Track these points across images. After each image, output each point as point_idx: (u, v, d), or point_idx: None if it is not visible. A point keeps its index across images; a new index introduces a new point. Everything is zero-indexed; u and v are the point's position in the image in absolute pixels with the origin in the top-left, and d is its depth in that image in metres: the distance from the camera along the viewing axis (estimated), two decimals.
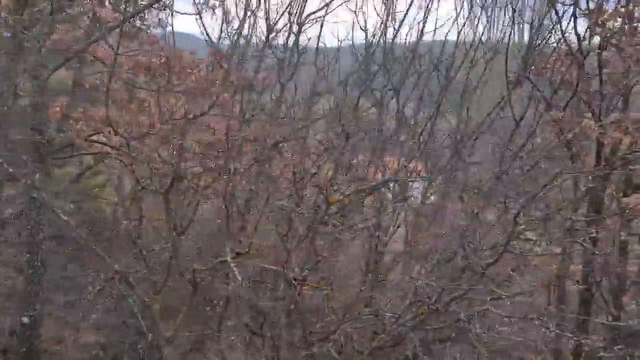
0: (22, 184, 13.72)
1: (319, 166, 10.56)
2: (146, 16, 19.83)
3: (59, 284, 16.11)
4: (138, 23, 20.72)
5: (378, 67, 17.03)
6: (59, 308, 15.95)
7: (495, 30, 17.98)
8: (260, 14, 15.04)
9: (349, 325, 11.35)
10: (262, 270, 11.01)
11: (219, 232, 10.82)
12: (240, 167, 12.00)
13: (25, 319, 13.92)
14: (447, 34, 18.22)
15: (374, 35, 16.51)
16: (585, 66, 15.32)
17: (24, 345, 13.97)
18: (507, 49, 15.82)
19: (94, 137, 14.44)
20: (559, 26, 15.10)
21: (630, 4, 13.00)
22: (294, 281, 9.55)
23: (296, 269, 9.72)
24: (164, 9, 15.49)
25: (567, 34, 15.56)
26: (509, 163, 11.95)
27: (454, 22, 17.96)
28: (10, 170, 11.84)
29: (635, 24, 13.86)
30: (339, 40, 16.68)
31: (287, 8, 14.15)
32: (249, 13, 14.12)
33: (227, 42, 15.01)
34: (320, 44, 16.85)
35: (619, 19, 13.09)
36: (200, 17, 13.90)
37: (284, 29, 14.55)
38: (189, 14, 16.13)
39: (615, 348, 9.91)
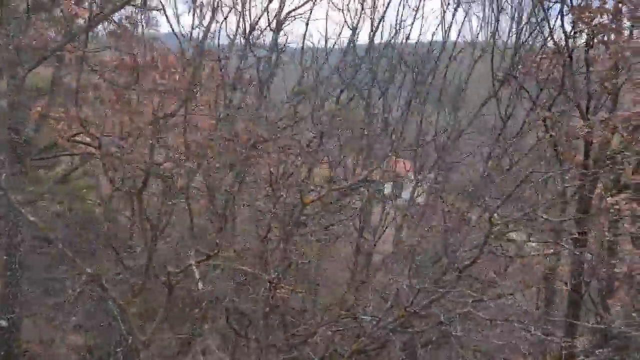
0: None
1: (297, 166, 10.34)
2: (133, 15, 19.64)
3: (39, 286, 15.89)
4: (125, 22, 20.59)
5: (357, 64, 16.79)
6: (39, 310, 15.71)
7: (485, 31, 17.76)
8: (243, 11, 14.80)
9: (329, 328, 11.15)
10: (241, 272, 10.78)
11: (194, 233, 10.58)
12: (219, 167, 11.82)
13: (3, 322, 13.70)
14: (434, 32, 17.93)
15: (355, 32, 16.23)
16: (574, 64, 15.15)
17: (2, 348, 13.75)
18: (492, 47, 15.60)
19: (80, 138, 14.29)
20: (546, 23, 14.82)
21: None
22: (268, 283, 9.32)
23: (272, 271, 9.50)
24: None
25: (555, 32, 15.40)
26: (495, 162, 11.72)
27: (440, 23, 17.65)
28: None
29: (621, 21, 13.66)
30: (325, 39, 16.48)
31: (266, 6, 13.97)
32: (225, 10, 13.97)
33: (207, 41, 14.83)
34: (309, 43, 16.76)
35: (605, 16, 12.84)
36: (165, 12, 13.62)
37: (265, 27, 14.37)
38: (155, 9, 15.71)
39: (596, 352, 9.63)
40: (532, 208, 9.20)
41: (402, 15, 19.41)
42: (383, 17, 16.83)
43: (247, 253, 11.25)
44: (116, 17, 21.48)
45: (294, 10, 14.44)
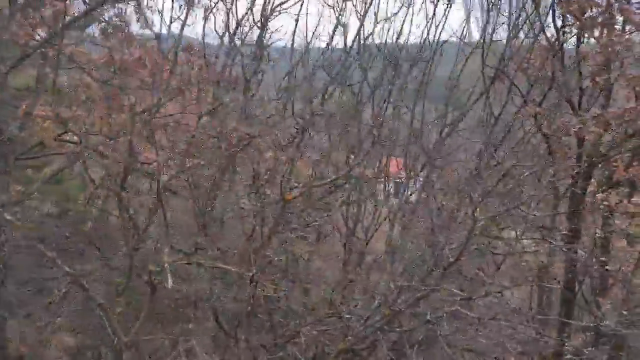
0: None
1: (277, 161, 10.15)
2: (124, 13, 19.48)
3: (25, 287, 15.72)
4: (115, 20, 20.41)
5: (346, 61, 16.61)
6: (25, 311, 15.54)
7: (476, 26, 17.53)
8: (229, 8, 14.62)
9: (313, 327, 10.98)
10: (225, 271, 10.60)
11: (168, 232, 10.38)
12: (203, 165, 11.64)
13: None
14: (424, 28, 17.73)
15: (345, 28, 16.02)
16: (565, 60, 14.96)
17: None
18: (482, 42, 15.42)
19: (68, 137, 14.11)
20: (537, 18, 14.62)
21: None
22: (249, 282, 9.16)
23: (252, 269, 9.32)
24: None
25: (547, 27, 15.21)
26: (486, 159, 11.54)
27: (431, 19, 17.47)
28: None
29: (613, 15, 13.47)
30: (312, 35, 16.28)
31: (252, 1, 13.75)
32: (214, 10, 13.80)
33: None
34: (300, 40, 16.58)
35: (595, 9, 12.65)
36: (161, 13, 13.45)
37: (251, 23, 14.19)
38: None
39: (584, 350, 9.45)
40: (516, 203, 8.95)
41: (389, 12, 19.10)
42: (367, 12, 16.61)
43: (232, 252, 11.06)
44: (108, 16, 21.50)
45: (280, 5, 14.30)
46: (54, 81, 10.43)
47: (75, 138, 14.34)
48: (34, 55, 13.81)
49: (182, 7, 13.58)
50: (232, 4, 14.95)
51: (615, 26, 14.38)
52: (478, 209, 8.78)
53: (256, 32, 15.48)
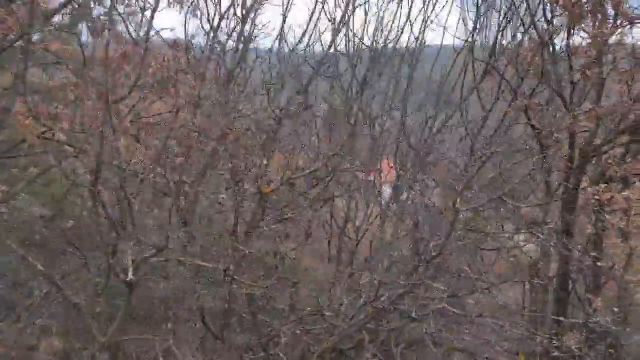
0: None
1: (260, 155, 9.87)
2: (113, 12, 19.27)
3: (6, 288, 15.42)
4: (105, 19, 20.21)
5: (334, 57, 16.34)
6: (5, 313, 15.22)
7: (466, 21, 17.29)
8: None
9: (295, 326, 10.68)
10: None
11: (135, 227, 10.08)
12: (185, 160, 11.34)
13: None
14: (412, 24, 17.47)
15: (335, 23, 15.71)
16: (556, 54, 14.70)
17: None
18: (472, 36, 15.16)
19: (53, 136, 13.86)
20: (527, 12, 14.34)
21: None
22: (223, 278, 8.86)
23: (228, 265, 9.02)
24: None
25: (538, 21, 14.93)
26: (477, 155, 11.25)
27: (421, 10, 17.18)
28: None
29: (604, 7, 13.21)
30: (303, 32, 15.96)
31: None
32: None
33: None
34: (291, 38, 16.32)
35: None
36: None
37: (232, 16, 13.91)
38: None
39: (573, 348, 9.15)
40: (498, 194, 8.65)
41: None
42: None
43: (212, 249, 10.75)
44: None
45: None
46: (23, 73, 10.10)
47: (61, 136, 14.13)
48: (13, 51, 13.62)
49: None
50: None
51: (608, 20, 14.20)
52: (459, 200, 8.48)
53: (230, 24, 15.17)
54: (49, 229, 15.84)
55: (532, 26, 14.24)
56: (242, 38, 13.87)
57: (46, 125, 13.31)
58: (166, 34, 15.28)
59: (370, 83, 17.14)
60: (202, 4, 15.15)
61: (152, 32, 13.39)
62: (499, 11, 15.50)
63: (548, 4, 13.38)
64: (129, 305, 10.90)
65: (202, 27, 14.77)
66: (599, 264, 12.22)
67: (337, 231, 17.07)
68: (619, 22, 13.94)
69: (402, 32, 16.62)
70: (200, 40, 15.27)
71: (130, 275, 8.33)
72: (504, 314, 11.62)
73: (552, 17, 13.13)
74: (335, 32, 14.37)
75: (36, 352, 16.63)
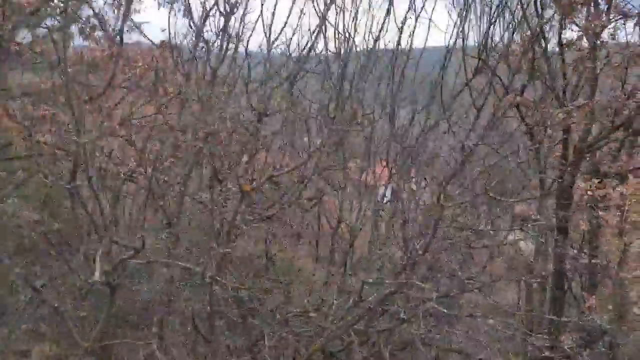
0: None
1: (241, 154, 9.64)
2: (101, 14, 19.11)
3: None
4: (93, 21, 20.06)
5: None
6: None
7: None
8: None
9: (281, 329, 10.43)
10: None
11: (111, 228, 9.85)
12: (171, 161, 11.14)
13: None
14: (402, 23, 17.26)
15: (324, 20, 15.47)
16: (549, 49, 14.46)
17: None
18: (462, 31, 14.93)
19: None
20: (519, 5, 14.11)
21: None
22: (203, 280, 8.63)
23: (208, 267, 8.78)
24: None
25: (530, 15, 14.69)
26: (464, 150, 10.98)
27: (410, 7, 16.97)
28: None
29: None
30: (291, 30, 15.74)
31: None
32: None
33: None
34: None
35: None
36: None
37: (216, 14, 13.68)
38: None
39: (565, 347, 8.89)
40: (484, 189, 8.40)
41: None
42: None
43: (195, 250, 10.53)
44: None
45: None
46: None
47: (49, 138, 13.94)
48: None
49: None
50: None
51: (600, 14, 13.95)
52: (442, 196, 8.24)
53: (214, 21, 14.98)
54: (38, 233, 15.63)
55: (523, 19, 14.00)
56: (226, 36, 13.68)
57: (29, 127, 13.14)
58: (159, 35, 15.21)
59: (361, 82, 16.93)
60: (192, 3, 14.95)
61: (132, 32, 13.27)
62: (490, 6, 15.28)
63: None
64: (111, 309, 10.67)
65: (190, 26, 14.59)
66: (593, 261, 11.95)
67: (330, 231, 16.85)
68: (611, 16, 13.74)
69: (400, 31, 16.35)
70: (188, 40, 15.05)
71: (97, 277, 8.07)
72: (499, 314, 11.39)
73: (543, 9, 12.89)
74: (322, 22, 14.07)
75: (28, 358, 16.47)
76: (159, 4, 16.28)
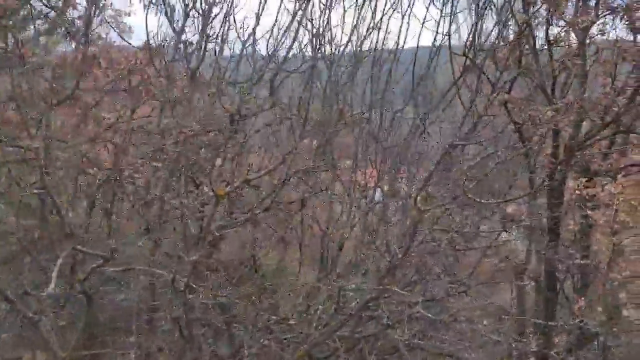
0: None
1: (218, 158, 9.41)
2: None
3: None
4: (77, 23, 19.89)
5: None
6: None
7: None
8: None
9: (262, 336, 10.18)
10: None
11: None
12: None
13: None
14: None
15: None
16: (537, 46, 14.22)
17: None
18: (449, 29, 14.68)
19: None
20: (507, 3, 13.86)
21: None
22: (179, 287, 8.38)
23: (177, 275, 8.52)
24: None
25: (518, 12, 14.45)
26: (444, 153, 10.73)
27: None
28: None
29: None
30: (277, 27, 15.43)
31: None
32: None
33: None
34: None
35: None
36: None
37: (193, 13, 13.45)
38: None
39: (551, 353, 8.64)
40: (463, 190, 8.14)
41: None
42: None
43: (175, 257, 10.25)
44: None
45: None
46: None
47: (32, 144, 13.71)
48: None
49: None
50: None
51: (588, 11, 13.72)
52: (419, 198, 7.98)
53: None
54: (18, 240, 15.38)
55: (510, 15, 13.77)
56: (204, 36, 13.46)
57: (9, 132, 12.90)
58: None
59: (348, 83, 16.71)
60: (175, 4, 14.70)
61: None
62: (477, 3, 15.01)
63: None
64: (88, 318, 10.43)
65: (174, 28, 14.37)
66: (582, 262, 11.70)
67: (320, 235, 16.55)
68: (600, 11, 13.51)
69: (377, 29, 16.11)
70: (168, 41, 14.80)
71: (50, 289, 7.82)
72: (492, 317, 11.15)
73: (529, 4, 12.64)
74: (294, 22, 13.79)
75: None
76: (144, 7, 16.07)
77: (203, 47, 13.44)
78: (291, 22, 14.11)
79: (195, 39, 14.66)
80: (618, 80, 13.44)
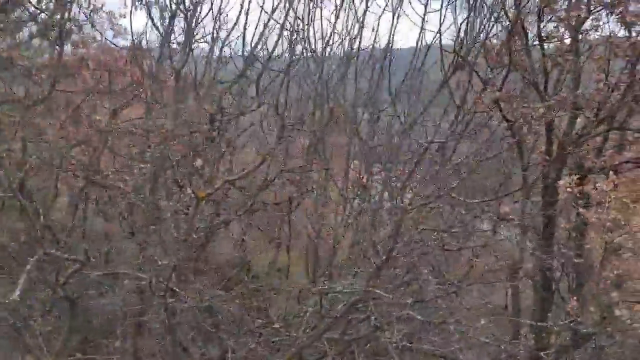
0: None
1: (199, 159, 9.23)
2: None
3: None
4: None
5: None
6: None
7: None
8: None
9: (250, 339, 10.01)
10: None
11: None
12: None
13: None
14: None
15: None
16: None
17: None
18: (439, 27, 14.50)
19: None
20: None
21: None
22: (148, 289, 8.22)
23: (154, 279, 8.36)
24: None
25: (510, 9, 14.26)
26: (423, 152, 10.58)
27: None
28: None
29: None
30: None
31: None
32: None
33: None
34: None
35: None
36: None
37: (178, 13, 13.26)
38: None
39: (542, 354, 8.46)
40: (446, 188, 7.96)
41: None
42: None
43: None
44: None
45: None
46: None
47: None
48: None
49: None
50: None
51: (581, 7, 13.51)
52: (399, 196, 7.80)
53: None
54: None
55: (502, 11, 13.58)
56: (189, 36, 13.28)
57: None
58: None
59: (341, 83, 16.54)
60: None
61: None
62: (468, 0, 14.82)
63: None
64: (73, 323, 10.27)
65: (158, 30, 14.22)
66: (576, 260, 11.49)
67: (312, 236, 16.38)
68: (592, 7, 13.31)
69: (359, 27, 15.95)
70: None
71: (15, 295, 7.66)
72: (486, 318, 10.96)
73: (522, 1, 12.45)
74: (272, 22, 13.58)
75: None
76: (135, 7, 15.93)
77: (188, 47, 13.28)
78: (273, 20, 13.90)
79: (181, 39, 14.49)
80: (612, 76, 13.26)
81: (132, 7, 13.63)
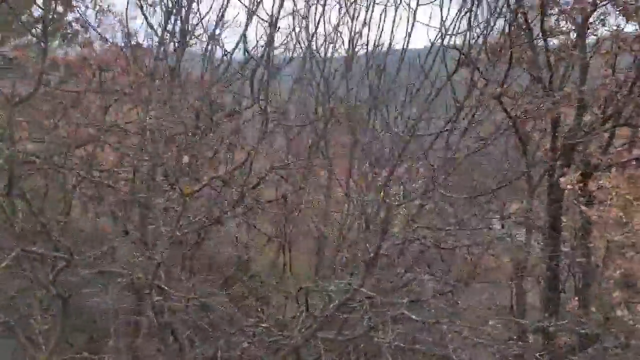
0: None
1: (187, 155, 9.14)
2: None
3: None
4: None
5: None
6: None
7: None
8: None
9: (244, 340, 9.90)
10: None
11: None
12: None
13: None
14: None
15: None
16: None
17: None
18: (441, 23, 14.25)
19: None
20: None
21: None
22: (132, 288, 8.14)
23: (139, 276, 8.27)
24: None
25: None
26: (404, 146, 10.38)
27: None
28: None
29: None
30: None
31: None
32: None
33: None
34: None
35: None
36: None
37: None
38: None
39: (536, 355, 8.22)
40: (434, 185, 7.75)
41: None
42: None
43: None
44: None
45: None
46: None
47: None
48: None
49: None
50: None
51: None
52: (382, 194, 7.61)
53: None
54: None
55: (505, 5, 13.32)
56: (182, 33, 13.20)
57: None
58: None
59: (341, 83, 16.41)
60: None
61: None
62: None
63: None
64: (65, 321, 10.23)
65: (153, 29, 14.22)
66: (579, 260, 11.21)
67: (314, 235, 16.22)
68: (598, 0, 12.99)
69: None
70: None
71: None
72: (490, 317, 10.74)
73: None
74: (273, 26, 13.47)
75: None
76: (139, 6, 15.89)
77: (183, 45, 13.20)
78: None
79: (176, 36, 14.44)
80: (619, 72, 12.92)
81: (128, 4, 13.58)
